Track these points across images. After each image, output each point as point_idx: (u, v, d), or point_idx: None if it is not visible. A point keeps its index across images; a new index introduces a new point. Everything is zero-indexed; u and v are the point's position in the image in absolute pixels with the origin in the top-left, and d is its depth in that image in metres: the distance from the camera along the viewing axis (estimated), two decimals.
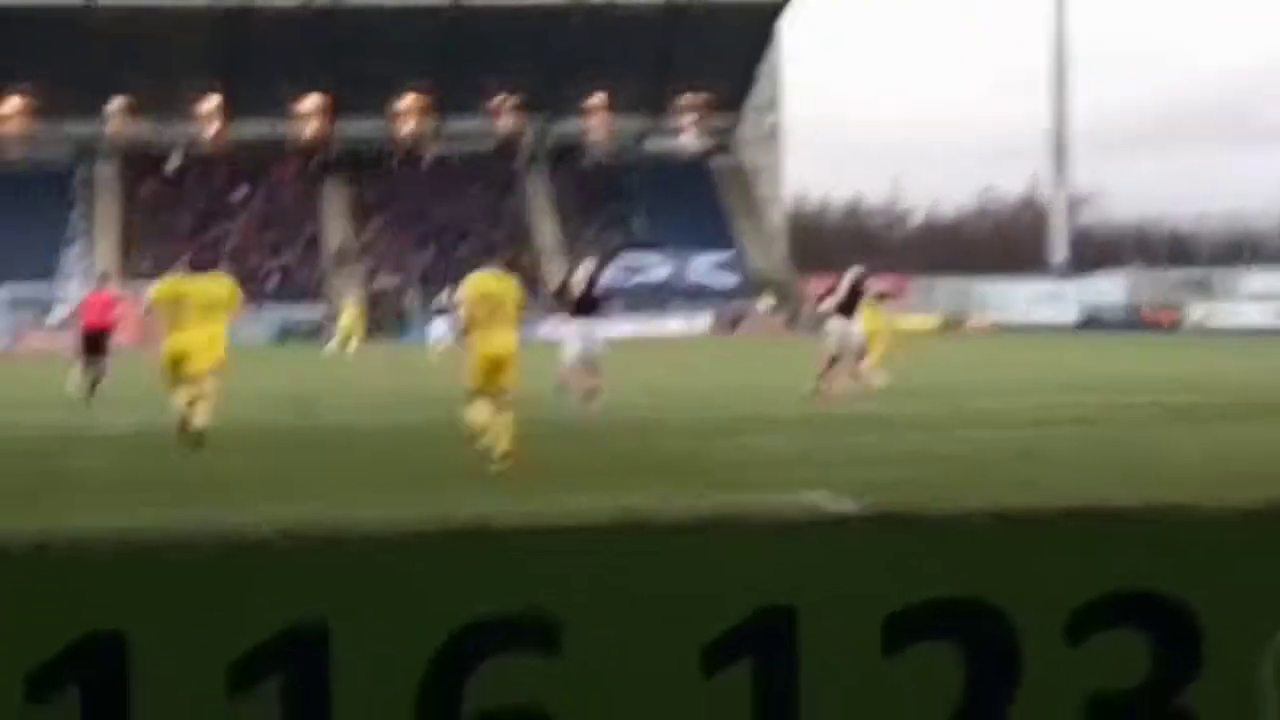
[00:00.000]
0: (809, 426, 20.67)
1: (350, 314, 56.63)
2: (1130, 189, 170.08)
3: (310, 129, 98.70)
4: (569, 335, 24.89)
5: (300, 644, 2.74)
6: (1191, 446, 17.48)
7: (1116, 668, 2.76)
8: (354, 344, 52.92)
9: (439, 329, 46.04)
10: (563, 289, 26.33)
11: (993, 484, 13.81)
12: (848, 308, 28.12)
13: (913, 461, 15.95)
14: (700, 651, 2.82)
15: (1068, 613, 2.78)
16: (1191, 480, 14.07)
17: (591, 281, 25.59)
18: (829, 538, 2.96)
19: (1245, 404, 23.94)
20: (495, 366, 16.17)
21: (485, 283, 16.86)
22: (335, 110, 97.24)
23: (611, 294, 26.46)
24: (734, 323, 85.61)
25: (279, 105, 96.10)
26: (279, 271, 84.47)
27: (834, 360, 27.22)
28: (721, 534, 2.95)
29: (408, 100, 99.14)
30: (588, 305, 25.01)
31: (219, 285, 19.68)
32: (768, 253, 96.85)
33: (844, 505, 11.73)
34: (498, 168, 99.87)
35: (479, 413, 16.08)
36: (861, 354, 28.31)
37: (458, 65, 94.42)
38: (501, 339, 16.30)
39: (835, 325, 27.63)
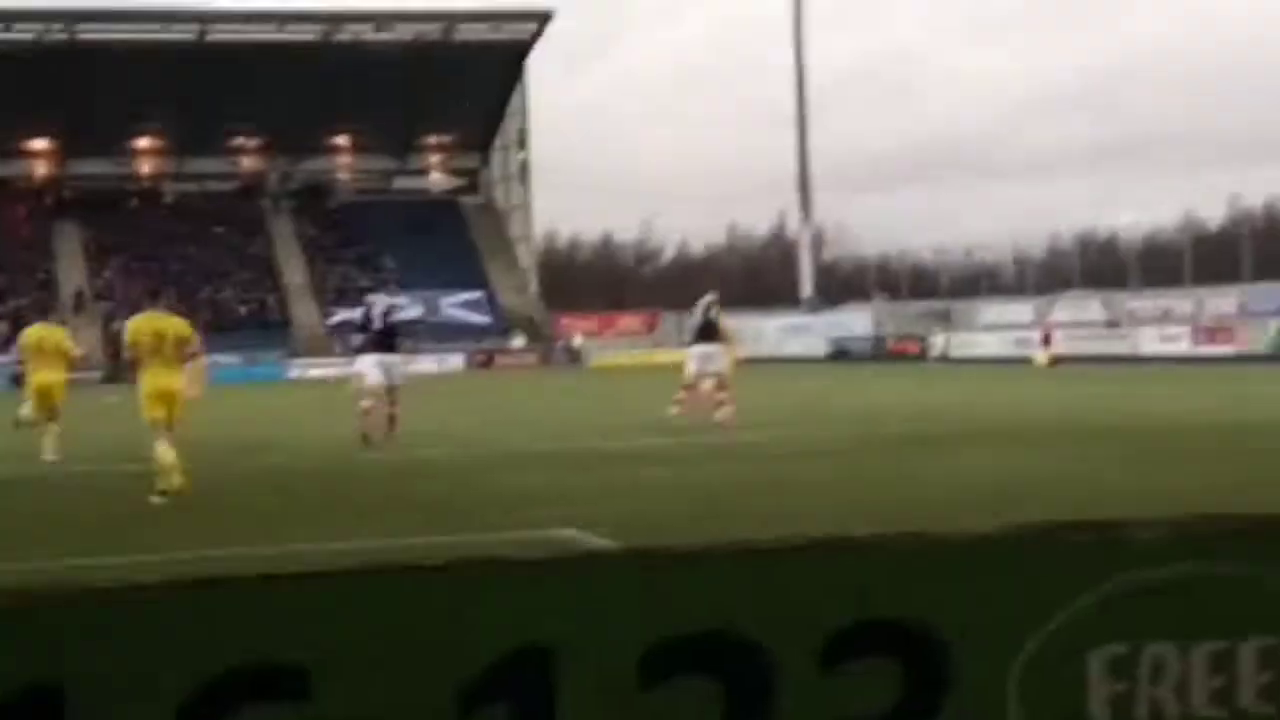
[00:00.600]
0: (561, 463, 20.69)
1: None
2: (874, 224, 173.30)
3: (42, 168, 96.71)
4: (368, 368, 26.18)
5: (39, 706, 2.67)
6: (935, 473, 17.83)
7: (869, 695, 2.79)
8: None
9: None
10: (364, 324, 27.22)
11: (744, 515, 13.93)
12: (707, 334, 29.22)
13: (664, 496, 16.03)
14: (455, 695, 2.80)
15: (820, 642, 2.80)
16: (936, 506, 14.33)
17: (387, 315, 27.08)
18: (582, 575, 2.95)
19: (984, 431, 24.51)
20: (161, 402, 16.71)
21: (148, 322, 17.16)
22: (71, 149, 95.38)
23: (411, 327, 28.21)
24: (487, 361, 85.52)
25: (8, 144, 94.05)
26: (8, 318, 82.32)
27: (690, 386, 28.72)
28: (474, 574, 2.93)
29: (146, 139, 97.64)
30: (387, 339, 26.46)
31: None
32: (519, 291, 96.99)
33: (596, 541, 11.75)
34: (242, 208, 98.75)
35: (165, 451, 16.46)
36: (723, 383, 28.83)
37: (200, 103, 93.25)
38: (166, 378, 16.76)
39: (696, 350, 28.96)
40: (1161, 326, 71.13)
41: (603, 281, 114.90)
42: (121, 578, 2.88)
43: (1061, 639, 2.76)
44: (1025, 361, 64.46)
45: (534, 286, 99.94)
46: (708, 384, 28.87)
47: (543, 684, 2.81)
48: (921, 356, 77.65)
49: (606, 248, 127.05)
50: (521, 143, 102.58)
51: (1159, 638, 2.77)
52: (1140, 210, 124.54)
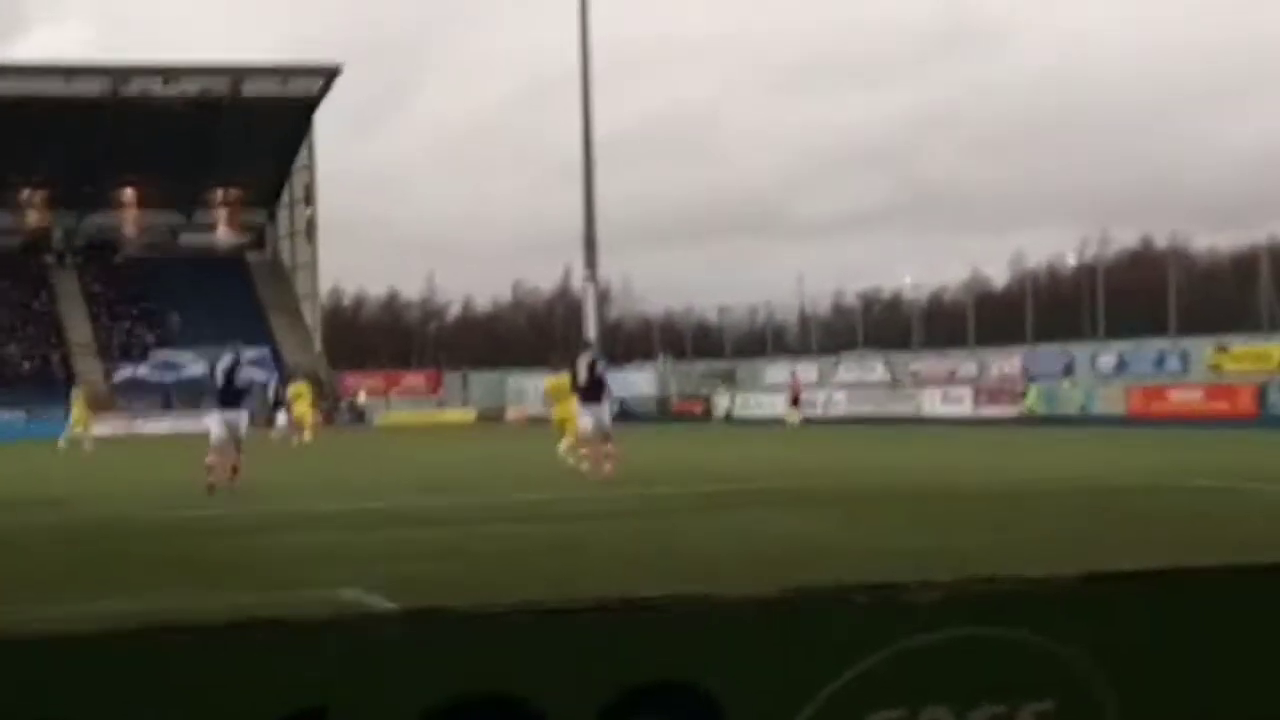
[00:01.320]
0: (346, 523, 20.48)
1: None
2: (659, 282, 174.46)
3: None
4: (214, 422, 27.99)
5: None
6: (719, 534, 17.90)
7: None
8: None
9: None
10: (574, 379, 30.17)
11: (527, 577, 13.87)
12: (593, 392, 30.06)
13: (447, 556, 15.91)
14: None
15: (595, 705, 2.77)
16: (718, 567, 14.38)
17: (592, 369, 29.68)
18: (361, 636, 2.90)
19: (767, 490, 24.70)
20: None
21: None
22: None
23: (256, 383, 29.67)
24: (271, 419, 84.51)
25: None
26: None
27: (585, 442, 29.86)
28: (251, 634, 2.87)
29: None
30: (231, 394, 28.27)
31: None
32: (304, 348, 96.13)
33: (377, 602, 11.62)
34: (27, 263, 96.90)
35: None
36: (608, 438, 29.70)
37: None
38: None
39: (587, 409, 29.73)
40: (945, 387, 72.39)
41: (388, 339, 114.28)
42: None
43: (840, 702, 2.75)
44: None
45: (319, 344, 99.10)
46: (594, 441, 29.79)
47: None
48: (706, 416, 78.23)
49: (392, 305, 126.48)
50: (308, 199, 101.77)
51: (936, 701, 2.78)
52: (928, 271, 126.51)
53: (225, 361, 28.72)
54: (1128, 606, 2.81)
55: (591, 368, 30.35)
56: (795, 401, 69.24)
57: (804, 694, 2.76)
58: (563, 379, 32.58)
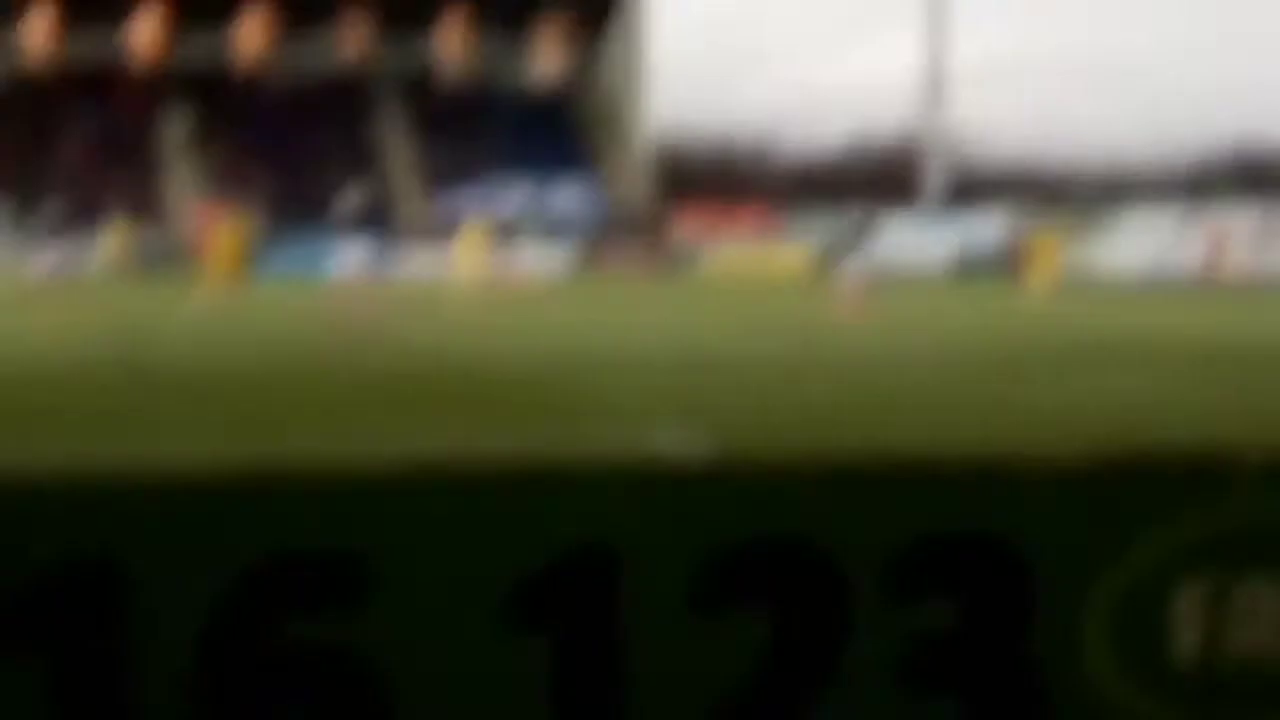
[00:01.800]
0: (666, 364, 20.69)
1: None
2: (1009, 125, 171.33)
3: (148, 46, 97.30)
4: None
5: (94, 583, 2.73)
6: (1047, 393, 17.66)
7: (942, 615, 2.79)
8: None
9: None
10: None
11: (842, 427, 13.91)
12: None
13: (766, 399, 16.02)
14: (509, 594, 2.82)
15: (895, 558, 2.80)
16: (1049, 426, 14.23)
17: None
18: (651, 479, 2.96)
19: (1101, 350, 24.30)
20: None
21: None
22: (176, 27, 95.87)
23: None
24: (595, 257, 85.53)
25: (116, 19, 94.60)
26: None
27: None
28: (538, 474, 2.95)
29: (248, 18, 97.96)
30: None
31: None
32: (633, 184, 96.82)
33: (696, 442, 11.79)
34: (347, 92, 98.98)
35: None
36: None
37: None
38: None
39: None
40: None
41: (721, 177, 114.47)
42: (174, 470, 2.92)
43: (1149, 567, 2.74)
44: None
45: (647, 181, 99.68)
46: None
47: (607, 584, 2.82)
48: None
49: (725, 142, 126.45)
50: (638, 31, 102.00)
51: (1252, 570, 2.74)
52: None
53: None
54: None
55: None
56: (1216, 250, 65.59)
57: (1113, 558, 2.75)
58: None
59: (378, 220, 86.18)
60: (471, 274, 53.14)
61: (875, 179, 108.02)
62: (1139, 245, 73.99)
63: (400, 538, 2.80)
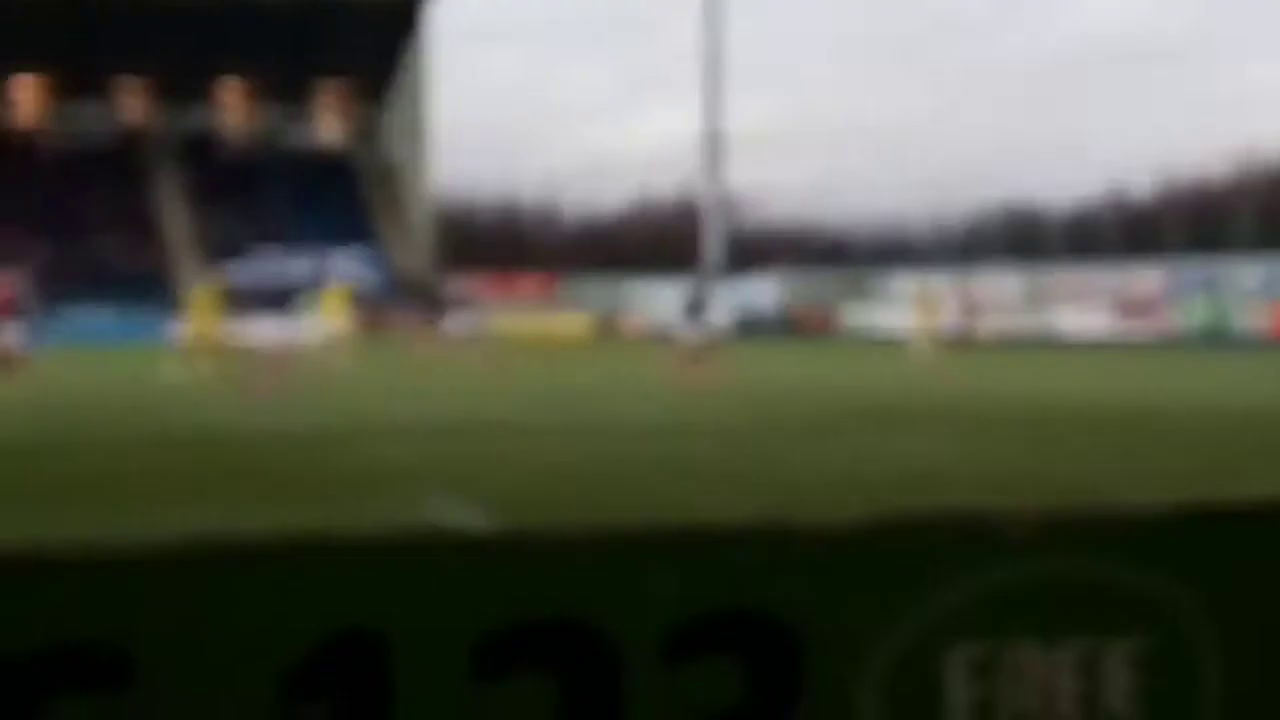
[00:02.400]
0: (443, 434, 20.59)
1: None
2: (785, 190, 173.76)
3: None
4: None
5: None
6: (831, 456, 17.85)
7: (718, 688, 2.75)
8: None
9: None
10: None
11: (626, 496, 13.91)
12: None
13: (545, 473, 15.98)
14: (278, 680, 2.74)
15: (667, 633, 2.76)
16: (822, 490, 14.35)
17: None
18: (421, 557, 2.90)
19: (889, 410, 24.62)
20: None
21: None
22: None
23: None
24: (375, 323, 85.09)
25: None
26: None
27: None
28: (307, 554, 2.87)
29: (24, 83, 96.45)
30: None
31: None
32: (411, 250, 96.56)
33: (471, 518, 11.70)
34: (126, 159, 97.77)
35: None
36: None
37: (84, 49, 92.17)
38: None
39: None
40: (1082, 301, 71.66)
41: (503, 242, 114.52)
42: None
43: (920, 636, 2.72)
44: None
45: (427, 247, 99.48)
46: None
47: (374, 670, 2.76)
48: (828, 329, 77.89)
49: (507, 207, 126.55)
50: (419, 98, 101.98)
51: (1022, 635, 2.74)
52: (1068, 181, 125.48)
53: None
54: (1228, 542, 2.76)
55: None
56: (968, 313, 67.75)
57: (885, 627, 2.74)
58: None
59: (157, 288, 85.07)
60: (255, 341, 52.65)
61: (656, 244, 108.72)
62: (906, 308, 75.27)
63: (162, 621, 2.70)
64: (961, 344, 54.41)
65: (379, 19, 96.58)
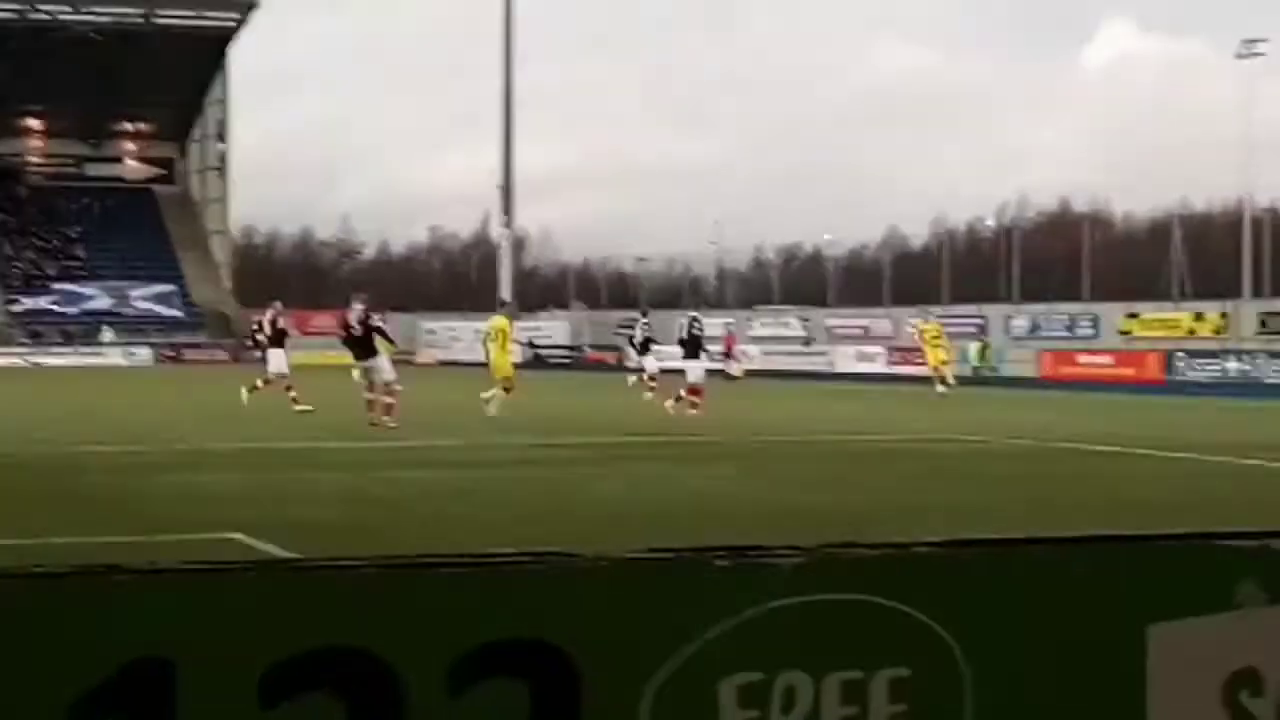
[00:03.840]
0: (241, 464, 20.36)
1: None
2: (577, 231, 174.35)
3: None
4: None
5: None
6: (614, 487, 17.89)
7: (498, 716, 2.74)
8: None
9: None
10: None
11: (416, 524, 13.84)
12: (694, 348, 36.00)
13: (338, 502, 15.84)
14: (70, 708, 2.67)
15: (448, 663, 2.74)
16: (608, 521, 14.38)
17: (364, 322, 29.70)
18: (208, 586, 2.85)
19: (674, 444, 24.74)
20: None
21: None
22: None
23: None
24: (176, 356, 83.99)
25: None
26: None
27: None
28: (97, 582, 2.81)
29: None
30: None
31: None
32: (213, 285, 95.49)
33: (264, 547, 11.57)
34: None
35: None
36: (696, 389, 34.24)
37: None
38: None
39: (692, 364, 34.92)
40: (859, 345, 72.69)
41: (300, 279, 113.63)
42: None
43: (694, 666, 2.72)
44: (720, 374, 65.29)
45: (227, 281, 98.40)
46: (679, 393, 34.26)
47: (162, 698, 2.70)
48: (619, 366, 78.18)
49: (305, 244, 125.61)
50: (221, 134, 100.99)
51: (792, 666, 2.76)
52: (848, 229, 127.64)
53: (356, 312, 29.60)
54: (983, 575, 2.80)
55: (691, 325, 36.16)
56: (729, 354, 69.12)
57: (660, 656, 2.74)
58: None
59: None
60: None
61: (450, 281, 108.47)
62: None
63: None
64: (729, 382, 55.17)
65: (183, 56, 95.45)
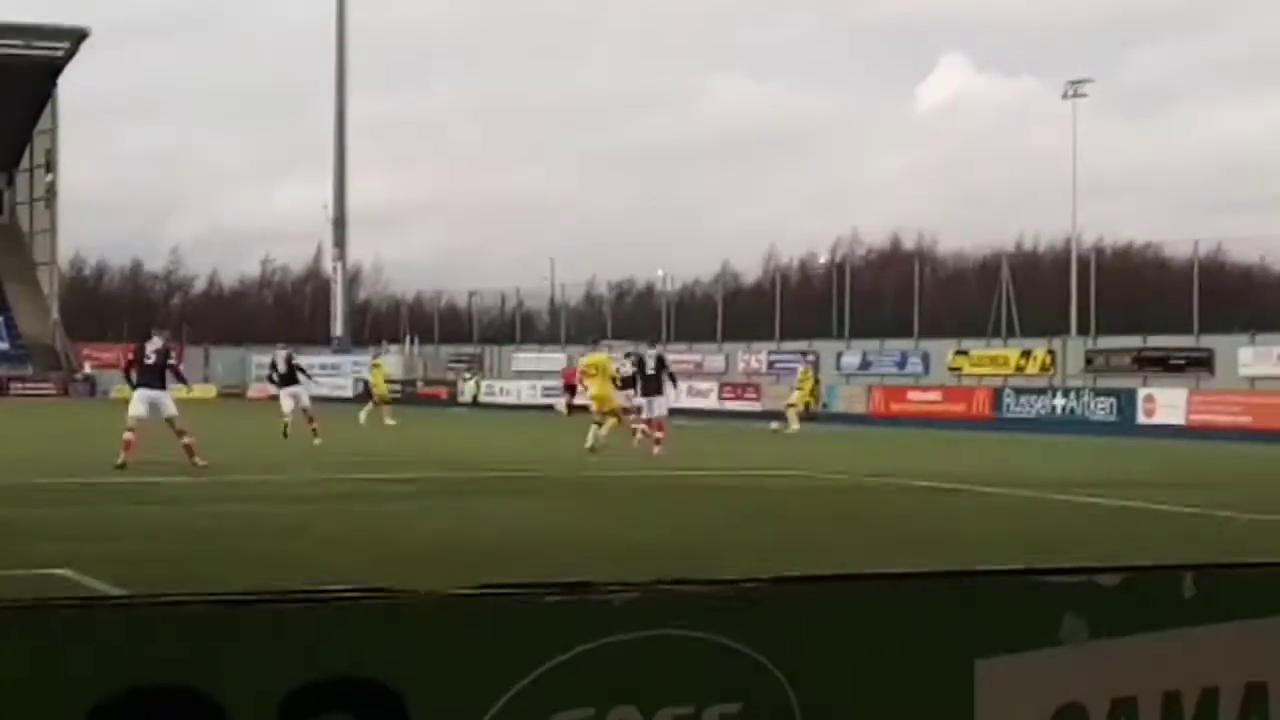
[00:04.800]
0: (66, 498, 20.04)
1: None
2: (409, 264, 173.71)
3: None
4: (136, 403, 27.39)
5: None
6: (431, 524, 17.79)
7: None
8: None
9: None
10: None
11: (246, 560, 13.70)
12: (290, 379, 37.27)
13: (167, 536, 15.65)
14: None
15: (278, 700, 2.71)
16: (435, 556, 14.33)
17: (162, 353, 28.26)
18: (30, 623, 2.80)
19: (501, 479, 24.73)
20: None
21: None
22: None
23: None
24: (2, 389, 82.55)
25: None
26: None
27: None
28: None
29: None
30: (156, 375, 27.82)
31: None
32: (40, 318, 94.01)
33: (91, 583, 11.39)
34: None
35: None
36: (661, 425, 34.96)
37: None
38: None
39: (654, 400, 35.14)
40: (691, 381, 72.97)
41: (130, 312, 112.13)
42: None
43: (526, 702, 2.72)
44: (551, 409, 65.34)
45: (56, 314, 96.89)
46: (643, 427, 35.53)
47: None
48: (451, 401, 77.96)
49: (135, 277, 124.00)
50: (49, 165, 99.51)
51: (623, 701, 2.76)
52: (681, 264, 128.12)
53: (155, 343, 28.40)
54: (812, 610, 2.82)
55: (660, 362, 35.76)
56: (571, 389, 69.01)
57: (492, 692, 2.72)
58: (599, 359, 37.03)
59: None
60: None
61: (282, 315, 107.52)
62: (529, 381, 75.83)
63: None
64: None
65: (11, 85, 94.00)
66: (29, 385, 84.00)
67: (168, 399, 27.25)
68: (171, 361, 28.31)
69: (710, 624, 2.78)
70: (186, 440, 26.72)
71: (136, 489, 21.63)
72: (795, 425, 46.55)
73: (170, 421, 27.06)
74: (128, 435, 26.55)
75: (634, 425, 36.59)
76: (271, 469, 26.09)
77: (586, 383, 36.38)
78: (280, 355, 40.28)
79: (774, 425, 45.51)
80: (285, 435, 36.76)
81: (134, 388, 27.53)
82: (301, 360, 42.89)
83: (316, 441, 34.65)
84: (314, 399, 39.86)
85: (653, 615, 2.77)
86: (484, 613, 2.76)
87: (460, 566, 13.22)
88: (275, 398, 40.70)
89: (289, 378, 39.39)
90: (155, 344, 27.89)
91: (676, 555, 14.46)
